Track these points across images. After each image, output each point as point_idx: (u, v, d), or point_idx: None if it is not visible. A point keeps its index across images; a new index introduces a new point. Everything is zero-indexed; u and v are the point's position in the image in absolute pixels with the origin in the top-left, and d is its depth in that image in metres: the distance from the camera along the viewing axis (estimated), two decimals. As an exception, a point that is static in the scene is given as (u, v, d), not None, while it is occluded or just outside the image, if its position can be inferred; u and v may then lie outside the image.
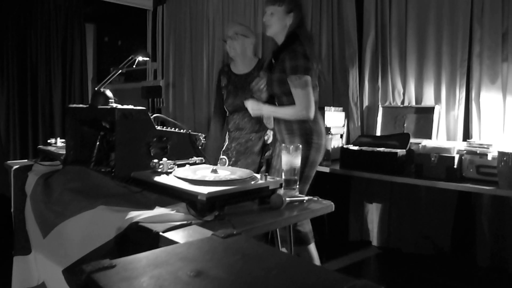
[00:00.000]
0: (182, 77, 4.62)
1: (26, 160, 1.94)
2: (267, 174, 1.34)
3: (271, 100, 2.17)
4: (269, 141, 2.63)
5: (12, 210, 1.76)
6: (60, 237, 1.25)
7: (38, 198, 1.41)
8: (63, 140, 2.00)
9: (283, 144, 1.48)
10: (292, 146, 1.47)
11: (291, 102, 2.02)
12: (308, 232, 2.09)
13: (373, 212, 3.21)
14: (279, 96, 2.08)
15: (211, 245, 0.83)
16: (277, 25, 2.05)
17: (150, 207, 1.18)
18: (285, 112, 2.06)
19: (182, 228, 1.07)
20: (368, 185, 3.20)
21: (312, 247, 2.12)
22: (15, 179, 1.76)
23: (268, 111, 2.14)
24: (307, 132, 2.05)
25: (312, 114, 2.00)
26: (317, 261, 2.13)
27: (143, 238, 1.04)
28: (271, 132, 2.59)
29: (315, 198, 1.44)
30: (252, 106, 2.17)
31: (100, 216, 1.16)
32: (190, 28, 4.49)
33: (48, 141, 2.08)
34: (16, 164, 1.85)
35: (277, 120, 2.15)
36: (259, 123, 2.56)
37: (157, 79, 4.96)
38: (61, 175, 1.47)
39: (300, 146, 1.49)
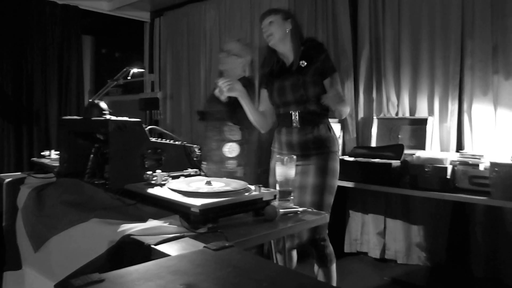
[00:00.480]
0: (180, 89, 4.62)
1: (19, 173, 1.90)
2: (261, 185, 1.33)
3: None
4: (230, 154, 2.56)
5: (3, 224, 1.72)
6: (52, 251, 1.23)
7: (30, 211, 1.39)
8: (58, 153, 1.98)
9: (278, 156, 1.47)
10: (286, 158, 1.46)
11: (320, 104, 1.98)
12: (332, 251, 2.04)
13: (369, 223, 3.19)
14: (307, 101, 2.00)
15: (203, 258, 0.82)
16: (278, 32, 2.04)
17: (143, 219, 1.16)
18: (343, 108, 2.02)
19: (174, 240, 1.05)
20: (364, 196, 3.19)
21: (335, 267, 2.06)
22: (7, 192, 1.73)
23: (334, 103, 1.99)
24: (334, 142, 2.05)
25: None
26: (335, 281, 2.05)
27: (135, 251, 1.03)
28: (233, 145, 2.55)
29: (310, 209, 1.42)
30: (330, 101, 1.99)
31: (93, 229, 1.14)
32: (187, 40, 4.51)
33: (42, 153, 2.06)
34: (8, 177, 1.81)
35: (301, 135, 2.03)
36: (219, 134, 2.54)
37: (155, 91, 4.96)
38: (54, 188, 1.45)
39: (295, 157, 1.48)
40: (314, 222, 1.37)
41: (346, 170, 2.63)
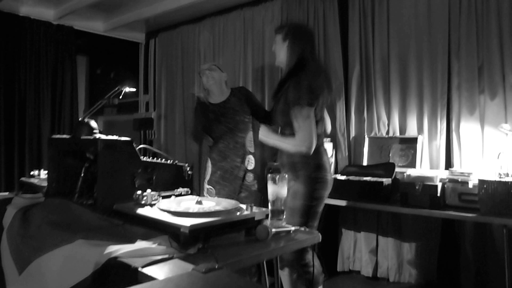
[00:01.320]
0: (174, 109, 4.59)
1: (7, 193, 1.84)
2: (252, 204, 1.28)
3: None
4: (250, 166, 2.61)
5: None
6: (36, 274, 1.16)
7: (15, 232, 1.32)
8: (47, 172, 1.92)
9: (270, 175, 1.43)
10: (278, 176, 1.42)
11: (293, 133, 1.90)
12: (320, 273, 1.97)
13: (361, 241, 3.14)
14: (282, 126, 1.99)
15: (190, 281, 0.77)
16: (279, 54, 2.00)
17: (131, 240, 1.11)
18: (285, 144, 1.93)
19: (162, 262, 1.00)
20: (356, 214, 3.14)
21: None
22: (-7, 213, 1.66)
23: (272, 141, 1.97)
24: (311, 167, 1.92)
25: (311, 149, 1.85)
26: None
27: (121, 274, 0.97)
28: (252, 158, 2.60)
29: (302, 229, 1.38)
30: (263, 132, 2.00)
31: (78, 251, 1.08)
32: (182, 61, 4.50)
33: (32, 173, 1.99)
34: (-4, 197, 1.75)
35: (279, 154, 2.02)
36: (242, 148, 2.57)
37: (149, 111, 4.92)
38: (40, 208, 1.39)
39: (286, 176, 1.45)
40: (307, 242, 1.32)
41: (339, 188, 2.60)
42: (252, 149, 2.64)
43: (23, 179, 1.97)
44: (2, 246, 1.42)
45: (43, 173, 1.99)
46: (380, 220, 3.03)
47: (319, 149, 1.95)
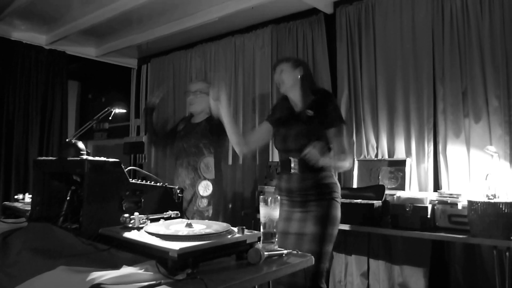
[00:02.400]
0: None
1: (-12, 218, 1.73)
2: (244, 227, 1.22)
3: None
4: (204, 192, 2.45)
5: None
6: (13, 304, 1.06)
7: (-7, 258, 1.23)
8: (31, 195, 1.82)
9: (262, 196, 1.37)
10: (270, 198, 1.36)
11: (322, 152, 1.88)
12: None
13: (352, 264, 3.06)
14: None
15: (179, 312, 0.69)
16: (288, 80, 2.01)
17: (117, 266, 1.02)
18: (342, 162, 1.90)
19: (149, 290, 0.92)
20: (346, 236, 3.07)
21: None
22: (-28, 238, 1.55)
23: (328, 160, 1.86)
24: (335, 189, 1.93)
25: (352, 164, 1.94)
26: None
27: (104, 303, 0.89)
28: (207, 183, 2.45)
29: (295, 252, 1.31)
30: (313, 155, 1.82)
31: (59, 279, 0.99)
32: (173, 86, 4.48)
33: (16, 196, 1.89)
34: (-24, 222, 1.64)
35: (301, 182, 1.93)
36: (194, 171, 2.47)
37: (140, 135, 4.85)
38: (21, 234, 1.29)
39: (279, 197, 1.39)
40: (299, 265, 1.25)
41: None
42: (208, 175, 2.47)
43: (6, 203, 1.86)
44: (-21, 273, 1.31)
45: (28, 197, 1.89)
46: (371, 242, 2.97)
47: (334, 171, 2.01)
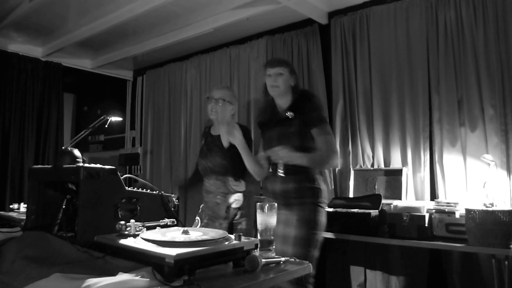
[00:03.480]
0: (160, 145, 4.53)
1: (-18, 228, 1.71)
2: (241, 234, 1.21)
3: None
4: (235, 205, 2.39)
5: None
6: (6, 312, 1.05)
7: (-14, 268, 1.21)
8: (26, 205, 1.81)
9: (258, 203, 1.37)
10: (267, 205, 1.36)
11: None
12: None
13: (349, 275, 3.03)
14: (298, 149, 1.92)
15: (176, 315, 0.69)
16: (284, 85, 2.00)
17: (112, 273, 1.02)
18: (316, 157, 1.90)
19: (145, 296, 0.91)
20: (343, 247, 3.06)
21: None
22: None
23: (300, 159, 1.89)
24: (316, 193, 1.93)
25: (338, 158, 1.94)
26: None
27: (100, 310, 0.88)
28: (239, 196, 2.39)
29: (292, 259, 1.30)
30: (283, 154, 1.88)
31: (54, 286, 0.98)
32: (169, 98, 4.50)
33: (11, 206, 1.88)
34: (-30, 231, 1.62)
35: (271, 182, 2.00)
36: (223, 185, 2.38)
37: (135, 147, 4.84)
38: (16, 242, 1.28)
39: (276, 204, 1.39)
40: (297, 273, 1.24)
41: (326, 220, 2.53)
42: (238, 188, 2.41)
43: (1, 213, 1.84)
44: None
45: (23, 207, 1.88)
46: (368, 253, 2.96)
47: (319, 176, 1.98)
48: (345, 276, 3.06)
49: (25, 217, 1.63)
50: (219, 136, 2.48)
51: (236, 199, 2.37)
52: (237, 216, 2.39)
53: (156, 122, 4.64)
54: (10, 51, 4.10)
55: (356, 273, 3.00)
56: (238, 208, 2.39)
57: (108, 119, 1.71)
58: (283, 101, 2.05)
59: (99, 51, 4.39)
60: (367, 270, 2.96)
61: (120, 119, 1.82)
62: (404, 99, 2.87)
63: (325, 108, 2.52)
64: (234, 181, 2.38)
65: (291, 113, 1.97)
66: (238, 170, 2.34)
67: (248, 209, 2.41)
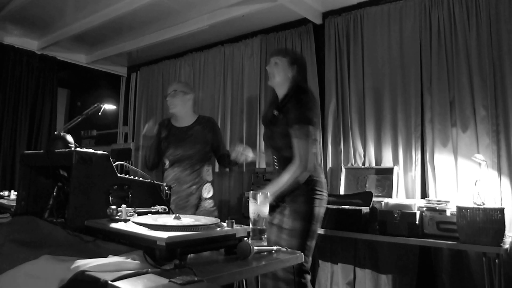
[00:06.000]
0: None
1: (-30, 213, 1.68)
2: (233, 221, 1.20)
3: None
4: (207, 195, 2.52)
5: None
6: (-6, 295, 1.02)
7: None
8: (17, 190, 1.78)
9: (251, 192, 1.36)
10: (260, 194, 1.35)
11: (292, 155, 1.84)
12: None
13: (338, 274, 3.02)
14: (281, 149, 1.91)
15: (167, 292, 0.67)
16: (280, 75, 1.95)
17: (103, 256, 0.99)
18: (289, 177, 1.82)
19: (135, 276, 0.89)
20: (333, 244, 3.05)
21: None
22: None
23: (278, 187, 1.84)
24: (310, 185, 1.87)
25: (311, 165, 1.82)
26: None
27: (89, 290, 0.86)
28: (209, 185, 2.55)
29: (284, 249, 1.29)
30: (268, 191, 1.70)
31: (42, 268, 0.96)
32: (162, 94, 4.47)
33: (1, 193, 1.84)
34: (-41, 217, 1.59)
35: (278, 175, 1.91)
36: (199, 175, 2.50)
37: (128, 142, 4.80)
38: (5, 226, 1.25)
39: (269, 194, 1.37)
40: (289, 261, 1.23)
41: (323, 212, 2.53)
42: (209, 178, 2.57)
43: (-10, 199, 1.81)
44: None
45: (13, 194, 1.85)
46: (357, 251, 2.95)
47: (316, 167, 1.93)
48: (334, 274, 3.04)
49: (15, 204, 1.59)
50: (186, 127, 2.57)
51: (207, 190, 2.52)
52: (210, 205, 2.53)
53: (148, 118, 4.59)
54: (6, 43, 4.05)
55: (345, 271, 2.99)
56: (209, 198, 2.53)
57: (101, 107, 1.69)
58: (280, 93, 2.01)
59: (94, 46, 4.35)
60: (357, 269, 2.95)
61: (114, 107, 1.79)
62: (397, 99, 2.89)
63: (317, 106, 2.50)
64: (207, 170, 2.53)
65: (277, 112, 1.93)
66: (211, 155, 2.57)
67: (216, 198, 2.57)
